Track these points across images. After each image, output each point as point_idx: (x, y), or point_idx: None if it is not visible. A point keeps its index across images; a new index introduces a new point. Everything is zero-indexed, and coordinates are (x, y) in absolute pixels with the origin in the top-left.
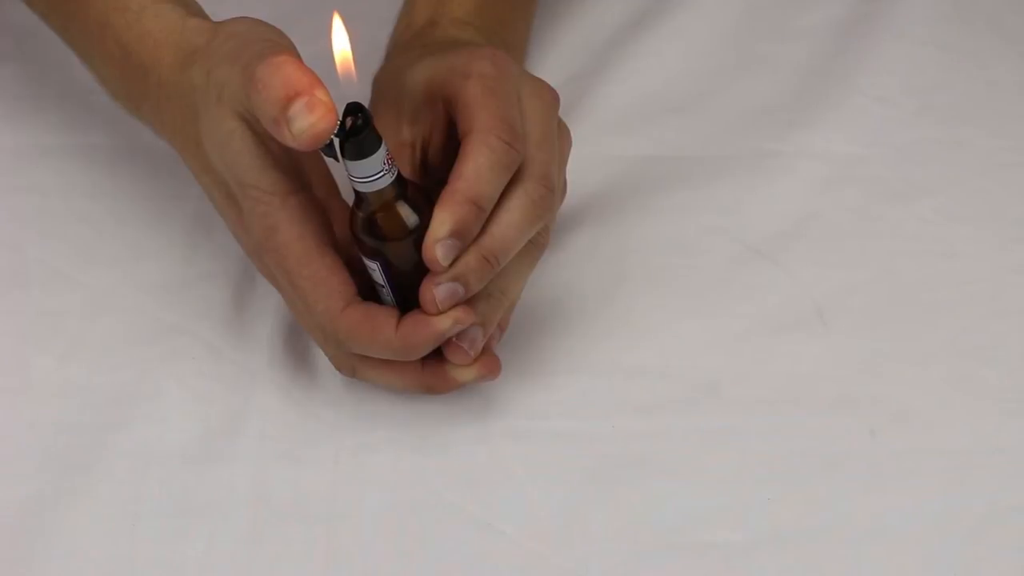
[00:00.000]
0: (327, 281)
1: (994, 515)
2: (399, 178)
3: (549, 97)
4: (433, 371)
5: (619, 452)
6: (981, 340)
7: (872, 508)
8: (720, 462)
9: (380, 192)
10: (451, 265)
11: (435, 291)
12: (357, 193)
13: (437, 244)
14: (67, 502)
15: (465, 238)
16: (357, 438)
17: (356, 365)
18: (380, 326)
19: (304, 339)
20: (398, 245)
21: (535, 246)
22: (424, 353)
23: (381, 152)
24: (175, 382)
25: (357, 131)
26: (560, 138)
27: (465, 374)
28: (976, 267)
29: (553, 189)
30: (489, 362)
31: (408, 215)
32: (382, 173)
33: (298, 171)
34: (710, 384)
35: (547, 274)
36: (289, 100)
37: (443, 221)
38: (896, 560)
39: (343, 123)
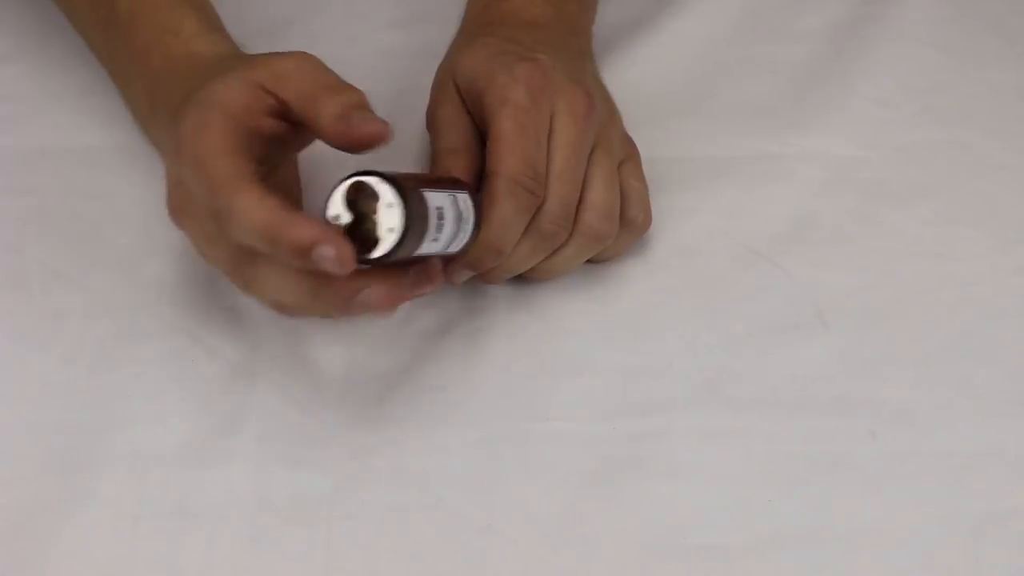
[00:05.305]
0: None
1: (994, 516)
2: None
3: (582, 110)
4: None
5: (619, 452)
6: (981, 341)
7: (872, 509)
8: (720, 463)
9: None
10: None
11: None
12: None
13: (455, 274)
14: (67, 503)
15: (481, 271)
16: (357, 440)
17: (251, 269)
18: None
19: (304, 339)
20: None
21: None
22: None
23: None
24: (175, 383)
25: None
26: (625, 150)
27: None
28: (976, 269)
29: (566, 223)
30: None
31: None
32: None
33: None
34: (710, 385)
35: None
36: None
37: (469, 265)
38: (896, 561)
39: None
